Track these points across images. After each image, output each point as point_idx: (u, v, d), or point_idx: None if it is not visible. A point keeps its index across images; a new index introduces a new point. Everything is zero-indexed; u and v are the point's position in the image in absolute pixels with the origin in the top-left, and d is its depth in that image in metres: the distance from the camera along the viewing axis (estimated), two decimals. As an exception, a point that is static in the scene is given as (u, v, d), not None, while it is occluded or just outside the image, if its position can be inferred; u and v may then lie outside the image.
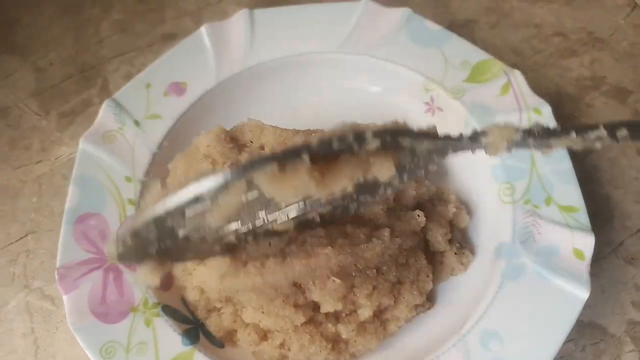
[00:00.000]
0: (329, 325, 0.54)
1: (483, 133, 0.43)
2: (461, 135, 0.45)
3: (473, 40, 0.82)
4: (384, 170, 0.45)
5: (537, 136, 0.43)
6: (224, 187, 0.37)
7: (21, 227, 0.69)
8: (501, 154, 0.44)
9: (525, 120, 0.65)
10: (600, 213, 0.68)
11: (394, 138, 0.43)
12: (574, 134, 0.41)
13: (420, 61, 0.71)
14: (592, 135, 0.41)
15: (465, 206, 0.63)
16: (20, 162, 0.74)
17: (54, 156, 0.74)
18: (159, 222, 0.40)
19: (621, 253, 0.65)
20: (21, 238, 0.68)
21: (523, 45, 0.84)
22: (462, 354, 0.52)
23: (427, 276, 0.57)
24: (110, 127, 0.65)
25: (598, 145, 0.42)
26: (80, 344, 0.51)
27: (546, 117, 0.65)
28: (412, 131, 0.44)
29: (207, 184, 0.37)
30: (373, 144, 0.41)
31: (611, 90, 0.78)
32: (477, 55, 0.70)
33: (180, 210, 0.39)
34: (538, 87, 0.76)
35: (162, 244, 0.44)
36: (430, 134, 0.45)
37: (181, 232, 0.43)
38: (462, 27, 0.86)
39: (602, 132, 0.41)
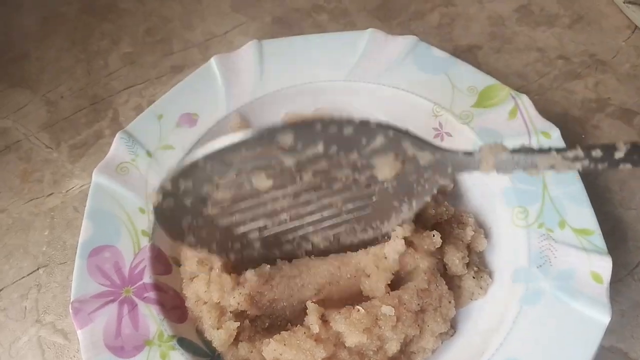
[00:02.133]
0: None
1: (476, 150, 0.49)
2: (457, 150, 0.50)
3: (477, 65, 0.83)
4: (386, 169, 0.50)
5: (521, 152, 0.47)
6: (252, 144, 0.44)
7: (33, 261, 0.68)
8: (492, 172, 0.49)
9: (535, 144, 0.65)
10: (614, 234, 0.68)
11: (396, 135, 0.47)
12: (554, 153, 0.46)
13: (427, 88, 0.71)
14: (570, 154, 0.46)
15: (483, 230, 0.63)
16: (31, 195, 0.74)
17: (65, 188, 0.74)
18: (197, 180, 0.47)
19: (638, 275, 0.65)
20: (33, 272, 0.68)
21: (527, 69, 0.85)
22: (483, 383, 0.51)
23: (450, 302, 0.57)
24: (123, 158, 0.66)
25: (578, 166, 0.46)
26: (97, 379, 0.51)
27: (555, 141, 0.65)
28: (413, 135, 0.48)
29: (237, 137, 0.44)
30: (377, 136, 0.46)
31: (617, 111, 0.79)
32: (483, 80, 0.71)
33: (217, 160, 0.45)
34: (544, 110, 0.77)
35: (194, 221, 0.51)
36: (429, 143, 0.49)
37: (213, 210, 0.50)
38: (466, 53, 0.87)
39: (579, 152, 0.46)
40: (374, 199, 0.54)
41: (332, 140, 0.46)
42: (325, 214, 0.55)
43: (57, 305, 0.65)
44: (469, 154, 0.50)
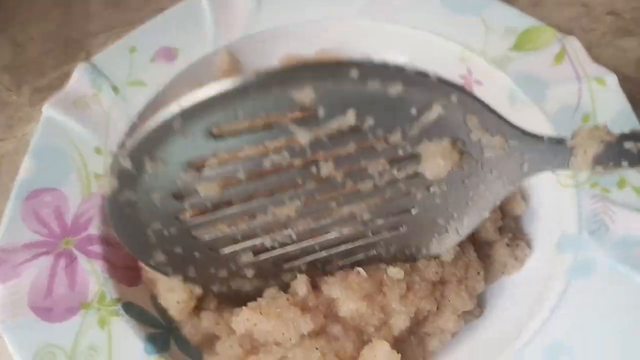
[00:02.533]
0: (347, 343, 0.40)
1: (567, 138, 0.36)
2: (541, 135, 0.36)
3: (512, 18, 0.72)
4: (438, 163, 0.35)
5: (632, 139, 0.35)
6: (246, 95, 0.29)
7: (-27, 210, 0.57)
8: (588, 168, 0.36)
9: (586, 92, 0.53)
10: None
11: (462, 102, 0.32)
12: None
13: (456, 28, 0.60)
14: None
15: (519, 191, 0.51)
16: (-18, 140, 0.63)
17: (21, 133, 0.63)
18: (170, 157, 0.31)
19: None
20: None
21: (571, 25, 0.73)
22: (520, 374, 0.38)
23: (478, 273, 0.45)
24: (84, 92, 0.55)
25: None
26: (9, 346, 0.39)
27: (612, 89, 0.53)
28: (486, 106, 0.34)
29: (229, 84, 0.29)
30: (435, 104, 0.31)
31: (678, 71, 0.67)
32: (525, 21, 0.59)
33: (201, 123, 0.30)
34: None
35: (165, 229, 0.36)
36: (505, 121, 0.35)
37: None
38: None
39: None
40: (414, 211, 0.39)
41: (369, 107, 0.31)
42: (345, 231, 0.40)
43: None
44: (559, 141, 0.36)
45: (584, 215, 0.46)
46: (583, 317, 0.41)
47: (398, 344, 0.42)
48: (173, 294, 0.41)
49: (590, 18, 0.74)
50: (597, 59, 0.67)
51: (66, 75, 0.67)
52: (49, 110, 0.53)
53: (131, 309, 0.43)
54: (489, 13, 0.60)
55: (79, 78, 0.56)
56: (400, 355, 0.40)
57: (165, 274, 0.40)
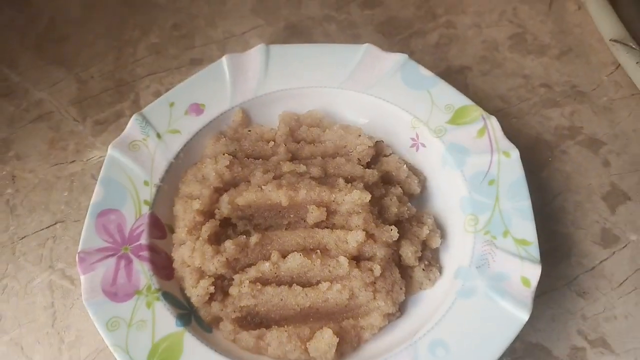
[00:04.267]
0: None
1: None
2: None
3: (465, 85, 0.92)
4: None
5: None
6: None
7: (52, 217, 0.80)
8: None
9: (495, 162, 0.73)
10: (560, 250, 0.75)
11: None
12: None
13: (410, 102, 0.80)
14: None
15: (440, 230, 0.72)
16: (56, 160, 0.85)
17: (86, 158, 0.85)
18: None
19: (574, 287, 0.72)
20: (51, 225, 0.79)
21: (511, 94, 0.92)
22: (411, 357, 0.60)
23: (401, 289, 0.66)
24: (136, 137, 0.76)
25: None
26: (91, 316, 0.61)
27: (514, 160, 0.73)
28: None
29: None
30: None
31: (586, 140, 0.86)
32: (460, 100, 0.79)
33: None
34: (519, 133, 0.85)
35: None
36: None
37: None
38: (457, 73, 0.95)
39: None
40: None
41: None
42: None
43: (68, 256, 0.76)
44: None
45: (475, 254, 0.67)
46: (460, 325, 0.62)
47: (341, 332, 0.64)
48: (195, 290, 0.64)
49: (526, 89, 0.93)
50: (525, 124, 0.88)
51: (119, 112, 0.89)
52: (112, 149, 0.74)
53: (167, 296, 0.65)
54: (436, 90, 0.80)
55: (132, 125, 0.77)
56: (339, 339, 0.62)
57: None
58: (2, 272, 0.75)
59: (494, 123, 0.76)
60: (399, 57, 0.83)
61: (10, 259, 0.76)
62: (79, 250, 0.66)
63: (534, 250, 0.66)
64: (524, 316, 0.61)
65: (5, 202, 0.81)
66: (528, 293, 0.63)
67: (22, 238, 0.78)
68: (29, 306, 0.72)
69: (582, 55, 0.98)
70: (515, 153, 0.73)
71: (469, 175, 0.73)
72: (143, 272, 0.66)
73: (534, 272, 0.64)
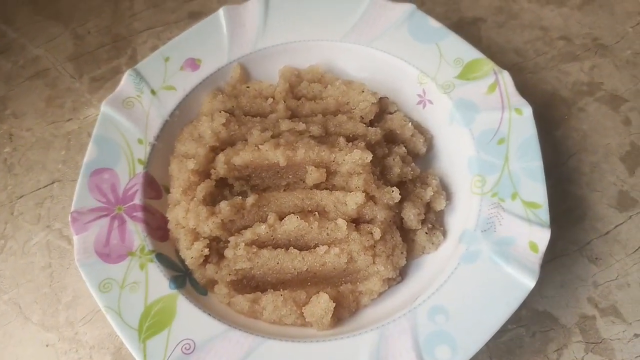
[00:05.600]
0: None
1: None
2: None
3: (478, 38, 0.87)
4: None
5: None
6: None
7: (49, 176, 0.78)
8: None
9: (506, 120, 0.69)
10: (573, 213, 0.72)
11: None
12: None
13: (417, 55, 0.75)
14: None
15: (445, 192, 0.69)
16: (53, 118, 0.83)
17: (83, 115, 0.83)
18: None
19: (586, 252, 0.69)
20: (48, 185, 0.77)
21: (527, 47, 0.87)
22: (409, 324, 0.58)
23: (402, 253, 0.64)
24: (130, 94, 0.73)
25: None
26: (83, 277, 0.60)
27: (526, 118, 0.68)
28: None
29: None
30: None
31: (606, 96, 0.81)
32: (471, 53, 0.74)
33: None
34: (534, 89, 0.80)
35: None
36: None
37: None
38: (470, 25, 0.89)
39: None
40: None
41: None
42: None
43: (65, 215, 0.75)
44: None
45: (481, 217, 0.64)
46: (462, 291, 0.59)
47: (339, 297, 0.62)
48: (189, 251, 0.62)
49: (544, 41, 0.87)
50: (541, 80, 0.83)
51: (116, 69, 0.86)
52: (105, 107, 0.71)
53: (161, 258, 0.63)
54: (445, 43, 0.76)
55: (126, 82, 0.74)
56: (336, 304, 0.60)
57: None
58: (1, 231, 0.74)
59: (506, 78, 0.72)
60: (406, 8, 0.78)
61: (8, 218, 0.75)
62: (72, 210, 0.64)
63: (544, 214, 0.62)
64: (530, 283, 0.58)
65: (3, 160, 0.80)
66: (535, 259, 0.59)
67: (20, 197, 0.77)
68: (27, 266, 0.71)
69: (606, 4, 0.91)
70: (528, 110, 0.69)
71: (478, 134, 0.69)
72: (137, 233, 0.64)
73: (543, 237, 0.60)
